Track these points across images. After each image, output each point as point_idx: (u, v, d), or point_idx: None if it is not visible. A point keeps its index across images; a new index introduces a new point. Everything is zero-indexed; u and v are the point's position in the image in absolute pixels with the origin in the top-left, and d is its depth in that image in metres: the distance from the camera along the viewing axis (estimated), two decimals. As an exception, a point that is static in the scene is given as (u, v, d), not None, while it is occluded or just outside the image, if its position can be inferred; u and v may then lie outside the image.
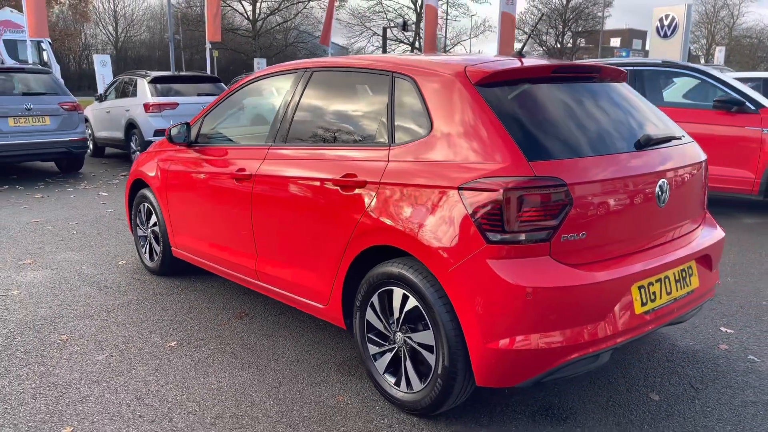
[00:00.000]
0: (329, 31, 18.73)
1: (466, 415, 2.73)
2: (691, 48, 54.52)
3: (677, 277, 2.76)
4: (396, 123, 2.82)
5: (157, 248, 4.59)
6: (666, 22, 29.19)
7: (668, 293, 2.70)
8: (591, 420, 2.71)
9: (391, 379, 2.79)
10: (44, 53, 21.43)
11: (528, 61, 2.87)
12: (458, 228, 2.42)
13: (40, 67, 11.39)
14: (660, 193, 2.66)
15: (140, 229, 4.80)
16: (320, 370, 3.16)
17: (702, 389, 2.97)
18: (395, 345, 2.76)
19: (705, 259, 2.93)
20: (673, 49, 28.13)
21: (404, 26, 25.25)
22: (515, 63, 2.81)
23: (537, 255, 2.36)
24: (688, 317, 3.02)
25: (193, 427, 2.64)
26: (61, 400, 2.86)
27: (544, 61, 2.88)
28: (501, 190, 2.32)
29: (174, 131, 4.00)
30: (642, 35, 62.91)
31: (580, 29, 52.82)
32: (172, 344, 3.47)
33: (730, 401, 2.86)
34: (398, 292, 2.68)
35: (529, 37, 3.16)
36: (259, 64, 21.97)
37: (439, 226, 2.48)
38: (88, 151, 12.42)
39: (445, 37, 41.76)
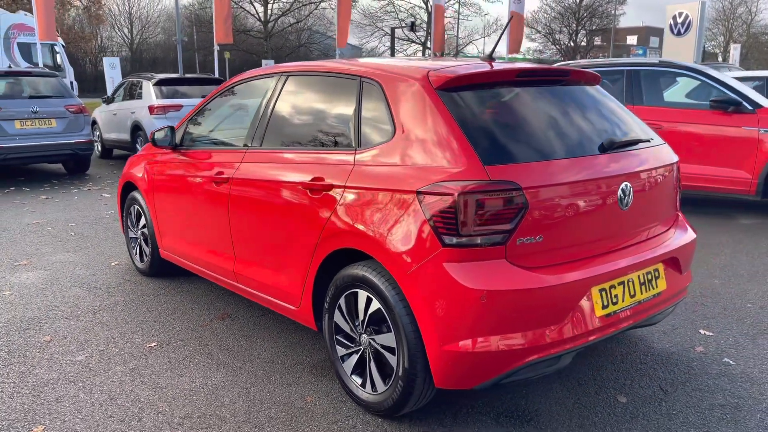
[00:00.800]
0: (346, 33, 18.75)
1: (430, 416, 2.76)
2: (708, 46, 53.93)
3: (642, 280, 2.76)
4: (363, 127, 2.85)
5: (147, 250, 4.66)
6: (679, 20, 28.95)
7: (632, 296, 2.70)
8: (555, 422, 2.72)
9: (358, 380, 2.82)
10: (57, 56, 21.74)
11: (495, 65, 2.89)
12: (416, 232, 2.45)
13: (46, 70, 11.55)
14: (623, 196, 2.67)
15: (131, 230, 4.88)
16: (293, 371, 3.20)
17: (671, 392, 2.97)
18: (361, 347, 2.79)
19: (673, 261, 2.93)
20: (686, 47, 27.87)
21: (412, 26, 25.26)
22: (480, 67, 2.82)
23: (493, 258, 2.37)
24: (658, 319, 3.03)
25: (160, 427, 2.69)
26: (37, 400, 2.93)
27: (509, 65, 2.89)
28: (456, 194, 2.34)
29: (158, 135, 4.06)
30: (659, 33, 62.20)
31: (594, 27, 52.43)
32: (152, 345, 3.53)
33: (698, 404, 2.86)
34: (363, 295, 2.71)
35: (498, 41, 3.15)
36: (265, 64, 22.13)
37: (398, 230, 2.51)
38: (96, 152, 12.61)
39: (457, 36, 41.72)
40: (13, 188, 9.11)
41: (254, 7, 38.20)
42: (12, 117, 9.30)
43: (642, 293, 2.75)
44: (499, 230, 2.36)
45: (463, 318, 2.35)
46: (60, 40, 22.74)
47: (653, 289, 2.81)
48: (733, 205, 7.18)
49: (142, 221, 4.65)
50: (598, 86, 3.22)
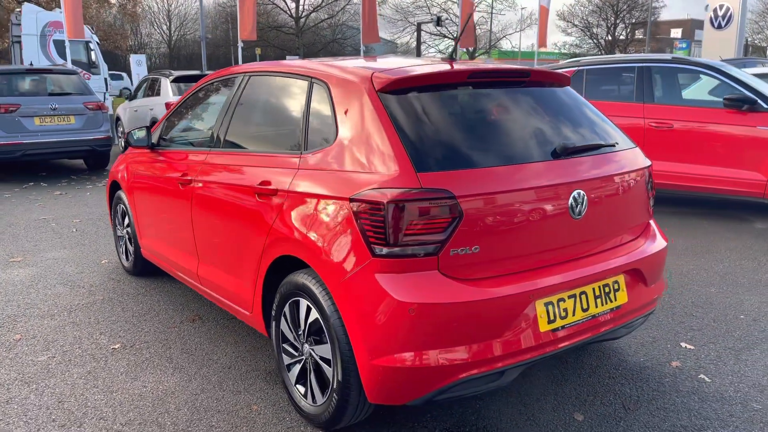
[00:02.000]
0: (374, 28, 18.64)
1: (368, 430, 2.66)
2: (755, 39, 51.93)
3: (598, 293, 2.61)
4: (309, 130, 2.77)
5: (131, 249, 4.68)
6: (720, 13, 27.92)
7: (585, 309, 2.56)
8: (501, 440, 2.60)
9: (301, 390, 2.75)
10: (92, 53, 22.22)
11: (447, 67, 2.77)
12: (349, 240, 2.36)
13: (67, 67, 11.79)
14: (574, 204, 2.52)
15: (118, 229, 4.91)
16: (247, 378, 3.14)
17: (633, 410, 2.81)
18: (303, 357, 2.71)
19: (635, 273, 2.77)
20: (727, 40, 26.88)
21: (438, 22, 24.96)
22: (429, 69, 2.71)
23: (424, 269, 2.27)
24: (622, 333, 2.87)
25: (101, 431, 2.67)
26: (-11, 400, 2.95)
27: (463, 66, 2.77)
28: (384, 202, 2.24)
29: (133, 135, 4.05)
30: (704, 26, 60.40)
31: (633, 20, 51.13)
32: (116, 347, 3.52)
33: (658, 425, 2.70)
34: (303, 304, 2.64)
35: (457, 42, 3.03)
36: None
37: (332, 238, 2.43)
38: (120, 148, 12.83)
39: (491, 31, 41.21)
40: (32, 183, 9.32)
41: (286, 3, 38.46)
42: (31, 114, 9.51)
43: (597, 307, 2.60)
44: (430, 240, 2.25)
45: (392, 331, 2.25)
46: (95, 37, 23.26)
47: (611, 302, 2.65)
48: (751, 208, 6.85)
49: (126, 220, 4.67)
50: (567, 88, 3.06)
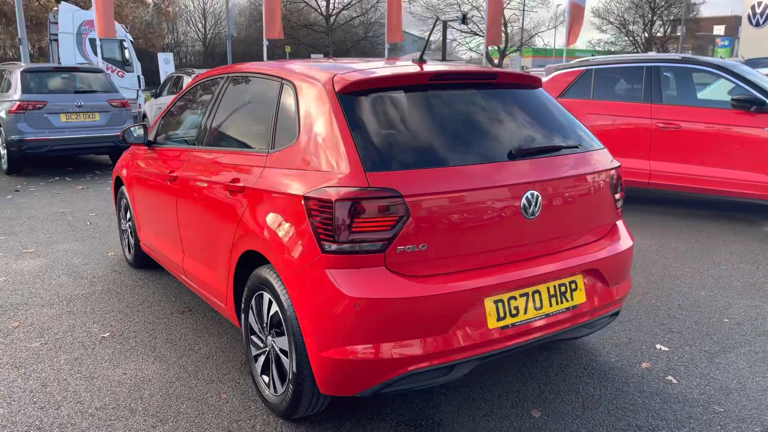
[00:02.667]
0: (398, 27, 18.71)
1: (330, 420, 2.75)
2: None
3: (552, 292, 2.65)
4: (277, 129, 2.87)
5: (132, 241, 4.86)
6: (758, 10, 27.13)
7: (537, 308, 2.60)
8: (455, 434, 2.66)
9: (266, 380, 2.86)
10: (126, 51, 22.80)
11: (409, 68, 2.84)
12: (302, 236, 2.45)
13: (93, 66, 12.15)
14: (527, 205, 2.56)
15: (122, 222, 5.09)
16: (222, 368, 3.26)
17: (591, 409, 2.84)
18: (267, 348, 2.82)
19: (594, 273, 2.79)
20: (766, 38, 26.10)
21: (464, 20, 24.85)
22: (392, 71, 2.78)
23: (372, 266, 2.34)
24: (584, 333, 2.90)
25: (74, 416, 2.82)
26: (-20, 383, 3.13)
27: (426, 68, 2.83)
28: (333, 200, 2.32)
29: (132, 132, 4.20)
30: (746, 23, 58.64)
31: (672, 17, 50.01)
32: (105, 335, 3.69)
33: (613, 424, 2.72)
34: (266, 297, 2.74)
35: (427, 42, 3.08)
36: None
37: (288, 234, 2.52)
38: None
39: (522, 28, 40.82)
40: (57, 178, 9.66)
41: (317, 2, 38.70)
42: (58, 111, 9.87)
43: (552, 306, 2.64)
44: (377, 238, 2.33)
45: (340, 325, 2.34)
46: (129, 36, 23.86)
47: (567, 301, 2.69)
48: (762, 211, 6.72)
49: (129, 214, 4.85)
50: (539, 90, 3.09)
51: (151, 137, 4.25)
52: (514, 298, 2.54)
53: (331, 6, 38.85)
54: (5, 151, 9.88)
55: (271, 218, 2.63)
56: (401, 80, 2.70)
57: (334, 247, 2.33)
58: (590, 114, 6.88)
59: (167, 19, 37.36)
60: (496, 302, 2.49)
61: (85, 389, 3.05)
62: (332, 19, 38.42)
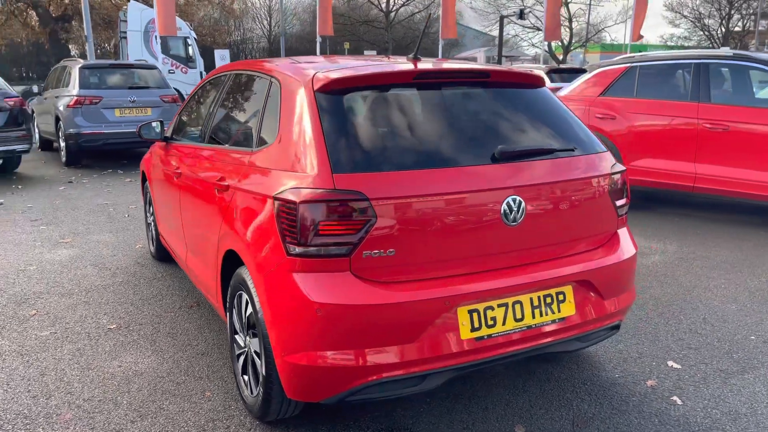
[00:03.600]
0: (453, 23, 18.55)
1: (305, 425, 2.71)
2: None
3: (536, 303, 2.51)
4: (262, 127, 2.84)
5: (154, 235, 4.97)
6: None
7: (518, 320, 2.46)
8: (430, 446, 2.57)
9: (246, 379, 2.84)
10: (189, 48, 23.50)
11: (394, 66, 2.74)
12: (270, 238, 2.41)
13: (146, 63, 12.53)
14: (508, 211, 2.43)
15: (148, 216, 5.22)
16: (214, 365, 3.27)
17: (581, 428, 2.68)
18: (246, 348, 2.80)
19: (586, 285, 2.63)
20: None
21: (521, 15, 24.22)
22: (377, 69, 2.70)
23: (336, 270, 2.27)
24: (576, 346, 2.73)
25: (61, 406, 2.88)
26: (-15, 369, 3.25)
27: (410, 67, 2.73)
28: (297, 202, 2.27)
29: (154, 128, 4.27)
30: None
31: (752, 11, 47.31)
32: (112, 327, 3.77)
33: (600, 446, 2.56)
34: (244, 297, 2.72)
35: (420, 39, 2.96)
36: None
37: (259, 235, 2.49)
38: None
39: (588, 23, 39.56)
40: (110, 170, 10.04)
41: (377, -1, 38.76)
42: (113, 105, 10.26)
43: (535, 317, 2.50)
44: (342, 242, 2.25)
45: (302, 329, 2.28)
46: (192, 33, 24.56)
47: (554, 313, 2.54)
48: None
49: (152, 208, 4.96)
50: (540, 89, 2.94)
51: (168, 133, 4.32)
52: (492, 308, 2.42)
53: (391, 2, 38.78)
54: (64, 143, 10.35)
55: (246, 218, 2.60)
56: (383, 79, 2.61)
57: (298, 250, 2.28)
58: (632, 113, 6.57)
59: (232, 17, 38.26)
60: (470, 312, 2.38)
61: (78, 380, 3.12)
62: (392, 15, 38.36)
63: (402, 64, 2.88)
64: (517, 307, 2.47)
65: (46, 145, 12.60)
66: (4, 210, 7.09)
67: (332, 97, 2.51)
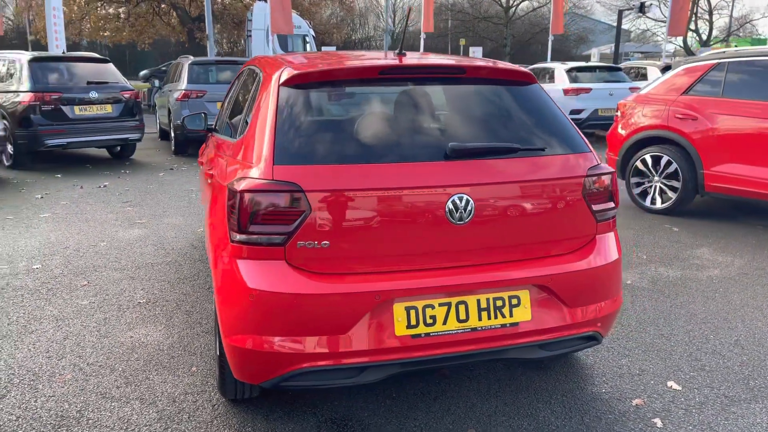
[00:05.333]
0: (561, 18, 17.97)
1: (263, 408, 2.80)
2: None
3: (484, 306, 2.43)
4: (246, 118, 2.97)
5: (206, 220, 5.31)
6: None
7: (461, 321, 2.41)
8: (374, 440, 2.58)
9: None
10: (307, 45, 24.51)
11: (361, 62, 2.76)
12: (222, 226, 2.53)
13: (241, 59, 13.21)
14: (454, 210, 2.38)
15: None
16: (214, 344, 3.47)
17: (535, 440, 2.57)
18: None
19: (547, 291, 2.50)
20: None
21: (641, 8, 22.60)
22: (343, 64, 2.73)
23: (272, 259, 2.35)
24: (538, 354, 2.60)
25: (67, 367, 3.19)
26: (28, 326, 3.66)
27: (377, 63, 2.73)
28: (238, 191, 2.37)
29: (188, 119, 4.57)
30: None
31: None
32: (142, 301, 4.10)
33: (546, 460, 2.44)
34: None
35: (404, 35, 2.93)
36: (474, 53, 21.95)
37: (216, 222, 2.63)
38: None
39: (731, 16, 36.30)
40: (210, 160, 10.75)
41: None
42: (216, 99, 10.95)
43: (482, 320, 2.43)
44: (277, 231, 2.32)
45: (239, 313, 2.39)
46: (311, 31, 25.57)
47: (503, 318, 2.45)
48: None
49: (206, 195, 5.30)
50: (530, 86, 2.82)
51: (212, 124, 4.60)
52: (431, 306, 2.38)
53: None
54: (173, 134, 11.23)
55: (212, 206, 2.76)
56: (348, 74, 2.64)
57: (238, 237, 2.38)
58: (716, 113, 6.03)
59: (351, 15, 39.32)
60: (407, 309, 2.36)
61: (92, 346, 3.44)
62: (512, 11, 37.51)
63: (371, 60, 2.88)
64: (461, 307, 2.41)
65: (164, 135, 13.71)
66: (105, 192, 7.85)
67: (292, 91, 2.58)
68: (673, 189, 6.41)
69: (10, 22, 39.09)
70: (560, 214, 2.57)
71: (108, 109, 9.88)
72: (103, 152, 11.00)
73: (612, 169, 2.73)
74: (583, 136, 2.76)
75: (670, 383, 3.01)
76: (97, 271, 4.72)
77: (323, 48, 23.97)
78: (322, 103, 2.59)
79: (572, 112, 13.01)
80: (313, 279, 2.32)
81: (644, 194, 6.74)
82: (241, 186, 2.36)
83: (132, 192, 7.82)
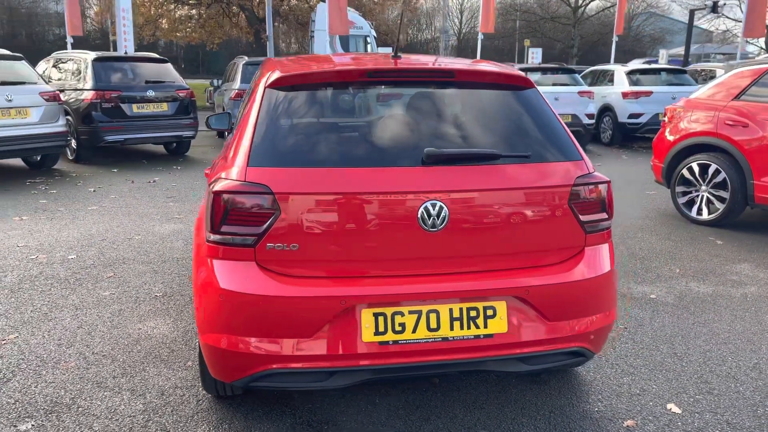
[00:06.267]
0: (622, 19, 17.41)
1: (245, 405, 2.84)
2: None
3: (456, 315, 2.37)
4: (239, 120, 3.00)
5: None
6: None
7: (432, 329, 2.35)
8: (346, 445, 2.56)
9: (212, 356, 3.05)
10: (368, 46, 24.70)
11: (350, 65, 2.75)
12: (204, 225, 2.57)
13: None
14: (426, 216, 2.33)
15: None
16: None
17: (510, 456, 2.48)
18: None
19: (524, 302, 2.41)
20: None
21: (714, 8, 21.39)
22: (325, 67, 2.73)
23: (243, 259, 2.37)
24: (517, 368, 2.50)
25: (73, 354, 3.33)
26: (49, 313, 3.85)
27: (365, 66, 2.70)
28: (212, 192, 2.40)
29: (211, 119, 4.66)
30: None
31: None
32: (158, 294, 4.23)
33: (515, 478, 2.35)
34: None
35: (398, 39, 2.86)
36: (533, 54, 21.37)
37: (199, 222, 2.68)
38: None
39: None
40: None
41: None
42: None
43: (454, 330, 2.37)
44: (248, 233, 2.34)
45: (210, 312, 2.42)
46: (373, 32, 25.73)
47: (477, 328, 2.38)
48: None
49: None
50: (525, 90, 2.73)
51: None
52: (401, 314, 2.35)
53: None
54: (226, 133, 11.55)
55: (202, 207, 2.80)
56: (333, 77, 2.64)
57: (212, 237, 2.41)
58: (768, 121, 5.67)
59: (414, 16, 39.34)
60: (375, 315, 2.33)
61: (101, 336, 3.58)
62: (580, 10, 36.45)
63: (358, 63, 2.86)
64: (432, 316, 2.36)
65: (221, 132, 14.11)
66: (153, 187, 8.15)
67: (277, 93, 2.60)
68: (721, 200, 6.08)
69: (94, 24, 41.26)
70: (543, 224, 2.48)
71: (164, 107, 10.27)
72: (160, 148, 11.43)
73: (606, 179, 2.60)
74: (577, 143, 2.65)
75: (670, 405, 2.85)
76: (126, 263, 4.90)
77: (378, 49, 24.07)
78: (301, 106, 2.59)
79: (631, 116, 12.54)
80: (280, 281, 2.33)
81: (690, 204, 6.42)
82: (215, 187, 2.39)
83: (178, 188, 8.08)
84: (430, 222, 2.33)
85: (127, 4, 14.90)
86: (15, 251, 5.17)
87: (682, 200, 6.48)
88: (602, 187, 2.57)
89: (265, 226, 2.32)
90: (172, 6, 30.03)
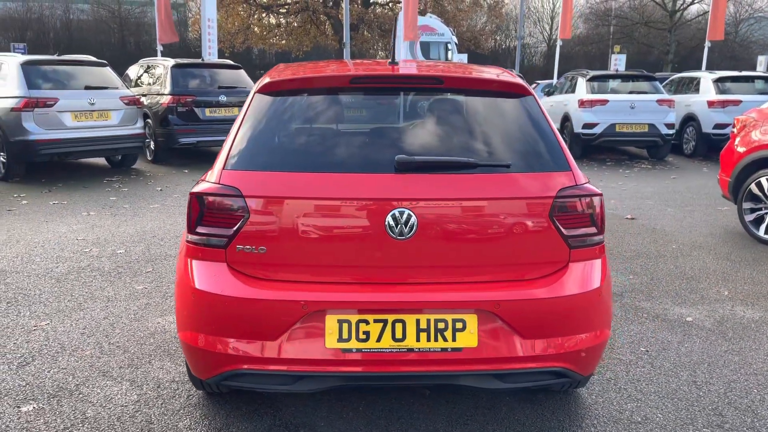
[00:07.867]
0: (722, 23, 16.45)
1: (225, 408, 2.88)
2: None
3: (424, 326, 2.31)
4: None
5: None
6: None
7: (398, 339, 2.31)
8: (316, 451, 2.55)
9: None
10: (449, 53, 24.65)
11: (336, 71, 2.76)
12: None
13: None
14: (393, 224, 2.29)
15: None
16: (224, 336, 3.63)
17: (478, 476, 2.39)
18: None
19: (496, 318, 2.31)
20: None
21: None
22: (312, 73, 2.74)
23: (215, 260, 2.42)
24: (494, 385, 2.42)
25: (91, 344, 3.51)
26: (83, 303, 4.09)
27: (350, 72, 2.69)
28: (190, 194, 2.47)
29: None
30: None
31: None
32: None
33: (476, 499, 2.26)
34: None
35: (394, 44, 2.83)
36: (617, 61, 20.36)
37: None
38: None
39: None
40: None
41: (662, -2, 35.18)
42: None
43: (420, 341, 2.31)
44: (219, 234, 2.39)
45: (183, 310, 2.49)
46: (454, 38, 25.64)
47: (445, 341, 2.31)
48: None
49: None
50: (520, 98, 2.64)
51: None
52: (366, 321, 2.32)
53: (679, 1, 34.93)
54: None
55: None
56: (319, 83, 2.65)
57: (190, 237, 2.48)
58: None
59: (498, 21, 38.75)
60: (340, 322, 2.32)
61: (121, 327, 3.75)
62: (677, 15, 34.54)
63: (344, 69, 2.85)
64: (398, 326, 2.32)
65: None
66: (215, 188, 8.47)
67: (264, 98, 2.65)
68: (792, 218, 5.60)
69: (196, 33, 43.57)
70: (521, 236, 2.37)
71: (234, 112, 10.66)
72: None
73: (597, 192, 2.46)
74: (569, 154, 2.52)
75: (669, 437, 2.65)
76: (166, 259, 5.12)
77: (454, 57, 23.96)
78: (283, 110, 2.60)
79: (716, 126, 11.77)
80: (247, 283, 2.36)
81: (758, 222, 5.95)
82: (193, 188, 2.47)
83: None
84: (397, 230, 2.30)
85: (213, 14, 15.62)
86: (73, 244, 5.54)
87: (749, 217, 6.02)
88: (591, 200, 2.43)
89: (235, 228, 2.36)
90: (264, 14, 31.20)
